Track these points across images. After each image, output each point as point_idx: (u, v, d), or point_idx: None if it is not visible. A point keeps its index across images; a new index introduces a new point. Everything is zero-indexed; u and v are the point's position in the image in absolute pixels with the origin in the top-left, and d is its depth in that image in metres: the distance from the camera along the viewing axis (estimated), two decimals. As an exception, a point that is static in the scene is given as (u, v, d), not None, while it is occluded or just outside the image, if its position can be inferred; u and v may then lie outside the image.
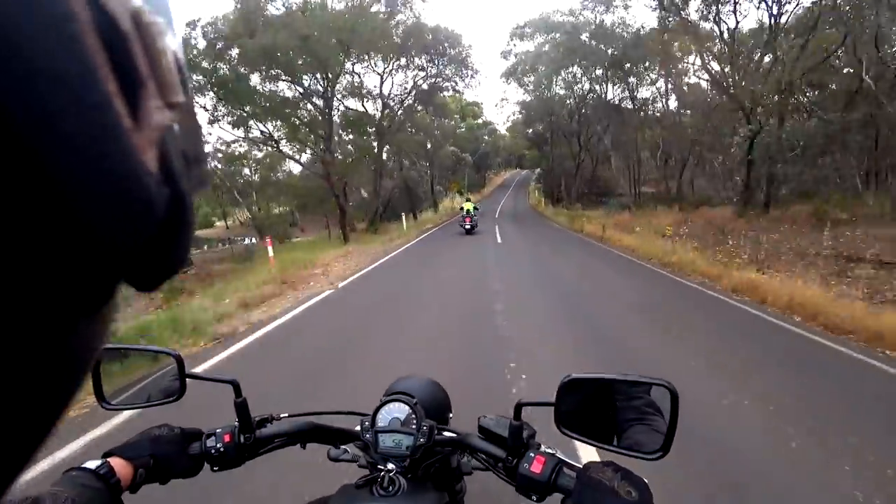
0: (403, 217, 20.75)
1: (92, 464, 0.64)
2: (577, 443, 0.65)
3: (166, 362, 0.77)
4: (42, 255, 0.12)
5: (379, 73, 21.71)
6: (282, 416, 0.82)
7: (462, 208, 18.42)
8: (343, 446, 0.85)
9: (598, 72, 26.31)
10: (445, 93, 25.40)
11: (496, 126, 65.71)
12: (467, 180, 47.68)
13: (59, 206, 0.12)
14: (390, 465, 0.74)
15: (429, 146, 30.68)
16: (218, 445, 0.75)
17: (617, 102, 27.60)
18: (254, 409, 0.78)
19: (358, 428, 0.81)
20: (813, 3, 13.97)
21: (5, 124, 0.11)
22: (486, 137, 59.82)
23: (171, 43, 0.16)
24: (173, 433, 0.74)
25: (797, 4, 14.91)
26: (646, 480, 0.57)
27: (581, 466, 0.61)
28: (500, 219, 23.95)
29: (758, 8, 16.82)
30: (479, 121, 57.70)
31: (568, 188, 31.48)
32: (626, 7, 33.24)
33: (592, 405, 0.66)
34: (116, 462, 0.66)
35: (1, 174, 0.11)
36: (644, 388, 0.64)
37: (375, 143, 22.49)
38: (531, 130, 38.84)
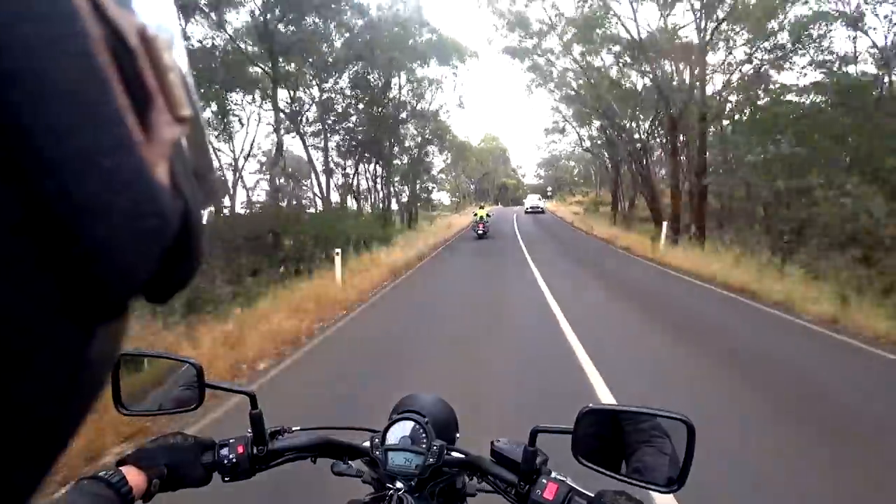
0: (338, 261, 8.43)
1: (104, 473, 0.64)
2: (588, 470, 0.66)
3: (186, 370, 0.78)
4: (59, 268, 0.12)
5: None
6: (294, 429, 0.83)
7: (476, 214, 20.32)
8: (350, 462, 0.85)
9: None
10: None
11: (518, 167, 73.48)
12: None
13: (76, 218, 0.12)
14: (399, 484, 0.75)
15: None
16: (231, 456, 0.75)
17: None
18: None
19: (368, 444, 0.82)
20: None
21: (23, 140, 0.11)
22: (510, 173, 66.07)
23: (177, 58, 0.16)
24: (187, 442, 0.74)
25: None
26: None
27: (593, 495, 0.62)
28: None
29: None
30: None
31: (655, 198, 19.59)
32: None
33: (605, 432, 0.67)
34: (130, 470, 0.67)
35: (19, 189, 0.11)
36: (658, 420, 0.65)
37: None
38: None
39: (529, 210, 39.86)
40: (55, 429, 0.15)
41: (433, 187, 33.76)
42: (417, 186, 28.24)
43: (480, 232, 18.67)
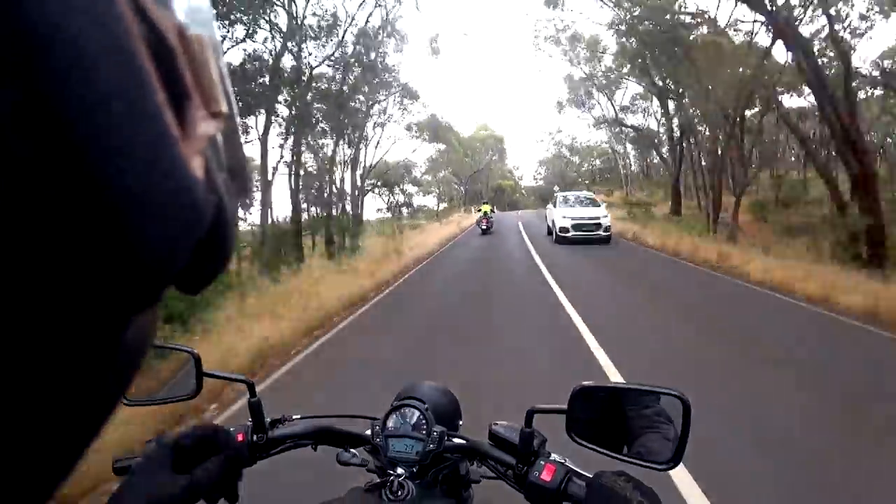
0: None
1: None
2: (588, 451, 0.65)
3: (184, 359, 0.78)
4: (99, 259, 0.13)
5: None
6: (294, 417, 0.83)
7: (480, 210, 21.68)
8: (353, 450, 0.85)
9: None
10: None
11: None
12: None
13: (116, 213, 0.13)
14: (400, 471, 0.75)
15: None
16: None
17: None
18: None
19: (368, 432, 0.82)
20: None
21: (68, 134, 0.12)
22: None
23: (214, 56, 0.17)
24: (188, 429, 0.75)
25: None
26: (656, 491, 0.57)
27: (591, 475, 0.61)
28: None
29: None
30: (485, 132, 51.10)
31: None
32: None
33: (603, 414, 0.66)
34: None
35: (63, 181, 0.12)
36: (654, 398, 0.64)
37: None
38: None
39: (569, 233, 13.97)
40: (88, 416, 0.16)
41: (405, 188, 29.11)
42: (359, 172, 19.64)
43: (485, 227, 19.49)
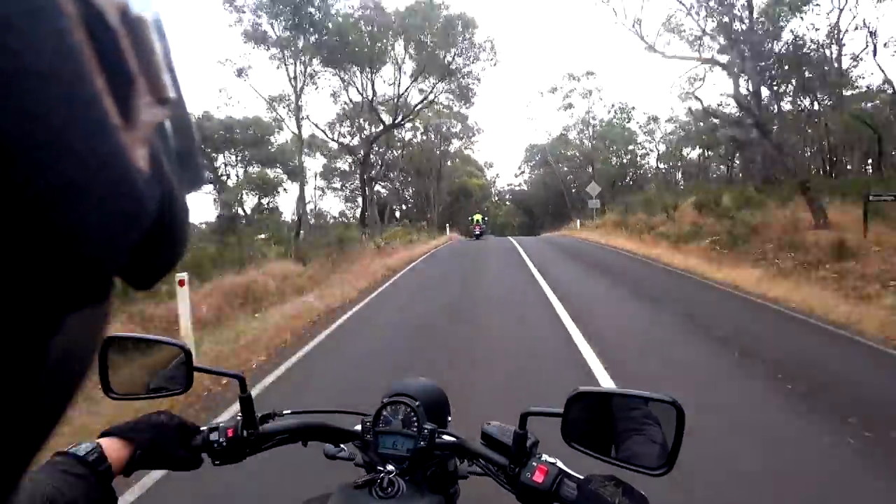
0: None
1: (83, 447, 0.62)
2: (580, 453, 0.65)
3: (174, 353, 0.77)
4: (32, 254, 0.12)
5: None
6: (285, 412, 0.83)
7: (472, 218, 23.86)
8: (342, 445, 0.85)
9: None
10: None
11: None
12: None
13: (49, 205, 0.12)
14: (390, 467, 0.75)
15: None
16: (221, 440, 0.75)
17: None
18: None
19: (359, 428, 0.82)
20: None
21: None
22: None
23: (160, 38, 0.15)
24: (174, 421, 0.74)
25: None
26: (646, 495, 0.57)
27: (583, 478, 0.62)
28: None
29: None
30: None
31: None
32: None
33: (595, 417, 0.66)
34: (113, 442, 0.65)
35: None
36: (645, 402, 0.64)
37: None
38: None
39: None
40: (33, 421, 0.15)
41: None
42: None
43: (477, 233, 22.37)
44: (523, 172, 47.97)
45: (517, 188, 50.22)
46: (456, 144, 37.90)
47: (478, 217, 24.59)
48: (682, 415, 0.60)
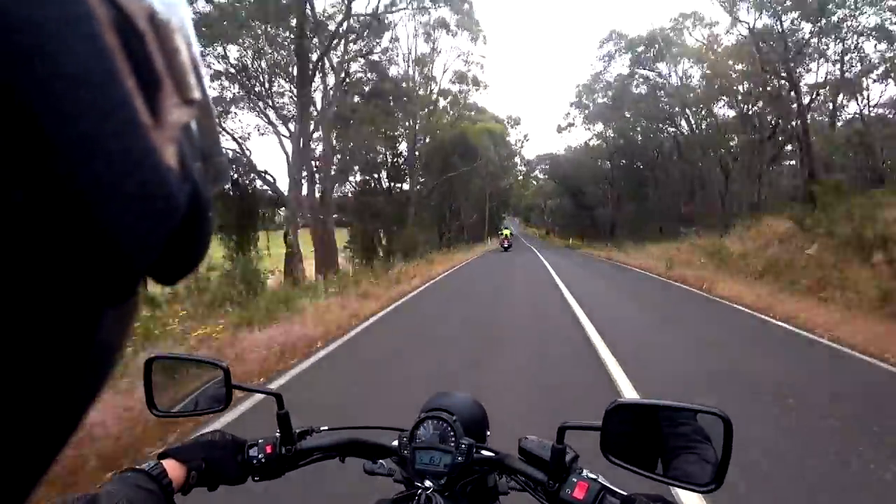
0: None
1: (146, 465, 0.66)
2: (620, 467, 0.63)
3: (215, 373, 0.80)
4: (68, 251, 0.13)
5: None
6: (322, 428, 0.83)
7: (501, 232, 27.48)
8: (380, 461, 0.85)
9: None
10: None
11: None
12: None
13: (84, 203, 0.12)
14: (427, 483, 0.74)
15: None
16: (259, 456, 0.76)
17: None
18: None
19: (396, 443, 0.82)
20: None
21: (30, 124, 0.11)
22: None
23: (186, 41, 0.16)
24: (225, 440, 0.77)
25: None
26: None
27: (626, 495, 0.59)
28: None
29: None
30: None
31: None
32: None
33: (638, 431, 0.64)
34: (170, 464, 0.69)
35: (27, 173, 0.12)
36: (692, 415, 0.61)
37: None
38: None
39: None
40: (64, 412, 0.15)
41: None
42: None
43: (506, 246, 26.09)
44: (572, 125, 29.56)
45: (559, 154, 33.69)
46: (452, 60, 22.99)
47: (507, 232, 28.36)
48: (730, 427, 0.56)
